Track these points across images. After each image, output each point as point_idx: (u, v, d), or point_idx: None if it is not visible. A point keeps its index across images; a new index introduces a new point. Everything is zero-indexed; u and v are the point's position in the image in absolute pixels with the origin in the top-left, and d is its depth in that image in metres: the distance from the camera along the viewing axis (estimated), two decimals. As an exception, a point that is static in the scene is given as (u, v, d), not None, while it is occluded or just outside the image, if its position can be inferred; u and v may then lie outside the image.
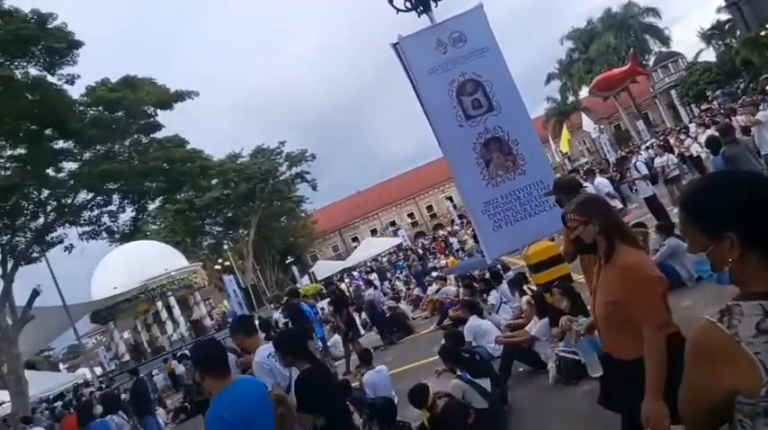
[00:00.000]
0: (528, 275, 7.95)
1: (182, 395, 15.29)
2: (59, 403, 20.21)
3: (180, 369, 18.14)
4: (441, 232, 47.75)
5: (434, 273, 17.59)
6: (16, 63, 18.51)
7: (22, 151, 20.91)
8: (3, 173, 21.00)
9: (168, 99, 24.96)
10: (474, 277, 11.79)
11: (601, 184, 11.73)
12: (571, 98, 56.46)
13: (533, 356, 6.31)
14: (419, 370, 8.53)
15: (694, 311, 5.59)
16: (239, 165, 44.96)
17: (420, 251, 31.43)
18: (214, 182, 40.57)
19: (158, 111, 25.06)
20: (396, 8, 6.50)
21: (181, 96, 25.29)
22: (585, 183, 9.92)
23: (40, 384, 25.10)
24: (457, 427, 4.83)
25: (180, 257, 31.28)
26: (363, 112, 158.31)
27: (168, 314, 28.16)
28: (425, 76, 5.02)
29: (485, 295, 9.38)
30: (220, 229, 47.46)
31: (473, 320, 7.42)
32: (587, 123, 38.49)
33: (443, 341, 8.68)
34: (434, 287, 14.58)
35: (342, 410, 4.06)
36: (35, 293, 20.23)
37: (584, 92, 56.32)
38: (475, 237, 20.92)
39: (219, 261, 40.46)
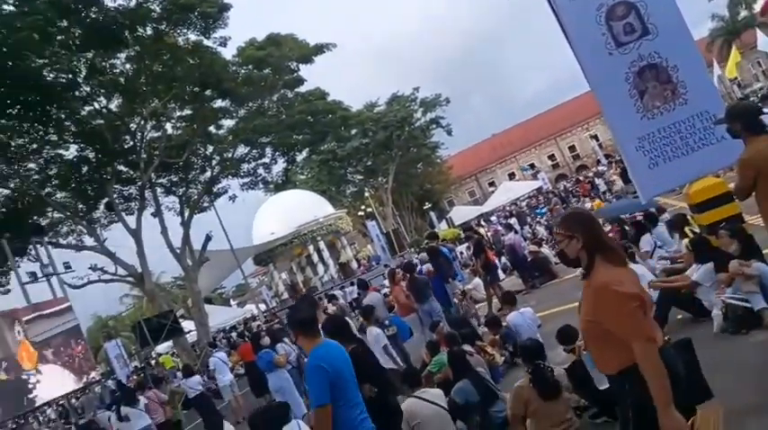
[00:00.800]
0: (689, 216, 7.27)
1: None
2: (234, 333, 23.14)
3: (331, 308, 19.65)
4: (585, 173, 44.99)
5: (579, 217, 16.73)
6: (178, 30, 20.42)
7: (189, 112, 23.40)
8: (175, 132, 23.79)
9: (309, 53, 26.06)
10: (624, 220, 11.05)
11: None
12: (743, 13, 48.17)
13: (695, 303, 5.84)
14: (563, 314, 8.34)
15: None
16: (376, 114, 45.94)
17: (562, 194, 29.98)
18: (354, 132, 42.07)
19: (300, 66, 26.31)
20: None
21: (320, 49, 26.24)
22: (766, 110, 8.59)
23: (217, 317, 28.92)
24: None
25: (326, 205, 33.37)
26: (497, 52, 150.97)
27: (319, 257, 30.48)
28: (569, 3, 4.64)
29: (636, 240, 8.74)
30: (361, 178, 49.42)
31: (625, 264, 7.01)
32: (763, 42, 32.42)
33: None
34: (579, 231, 13.91)
35: (386, 382, 4.54)
36: (208, 238, 23.11)
37: (759, 4, 47.87)
38: (623, 178, 19.43)
39: (362, 208, 42.41)
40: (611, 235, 10.99)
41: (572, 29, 4.79)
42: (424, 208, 51.17)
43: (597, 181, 27.33)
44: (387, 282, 22.77)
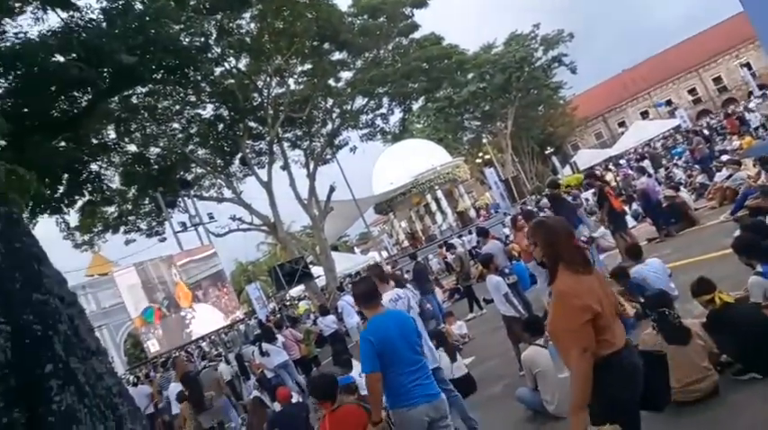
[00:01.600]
0: None
1: (454, 278, 16.92)
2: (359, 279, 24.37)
3: (450, 256, 19.91)
4: (733, 108, 39.97)
5: (724, 157, 15.10)
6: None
7: (309, 66, 24.19)
8: (298, 87, 24.82)
9: (422, -4, 25.43)
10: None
11: None
12: None
13: None
14: (703, 263, 7.74)
15: None
16: (493, 56, 44.08)
17: (705, 132, 26.99)
18: (470, 76, 40.86)
19: (414, 11, 25.82)
20: None
21: (433, -9, 25.46)
22: None
23: (343, 263, 30.55)
24: (740, 330, 4.22)
25: (443, 153, 33.20)
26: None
27: (437, 206, 30.68)
28: None
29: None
30: (479, 124, 48.22)
31: (780, 210, 6.31)
32: None
33: (737, 232, 7.65)
34: (724, 173, 12.60)
35: None
36: (331, 190, 24.26)
37: None
38: (784, 111, 17.04)
39: (480, 155, 41.61)
40: (763, 175, 9.86)
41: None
42: (546, 153, 48.94)
43: (748, 116, 24.26)
44: (507, 230, 22.51)
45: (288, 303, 23.70)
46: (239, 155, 23.67)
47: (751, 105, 27.70)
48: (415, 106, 35.11)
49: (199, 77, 20.11)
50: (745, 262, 4.87)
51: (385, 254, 33.74)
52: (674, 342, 4.14)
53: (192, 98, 21.38)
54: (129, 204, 22.18)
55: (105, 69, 13.40)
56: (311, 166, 25.11)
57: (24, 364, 2.08)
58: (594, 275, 2.62)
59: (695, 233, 10.75)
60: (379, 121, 29.15)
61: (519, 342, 6.71)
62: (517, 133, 46.00)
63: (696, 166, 17.20)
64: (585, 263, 2.62)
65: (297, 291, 26.46)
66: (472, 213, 31.55)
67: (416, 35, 27.56)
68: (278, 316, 19.46)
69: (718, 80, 58.35)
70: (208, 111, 22.57)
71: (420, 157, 30.13)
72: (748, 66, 50.29)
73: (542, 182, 40.85)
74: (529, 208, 14.99)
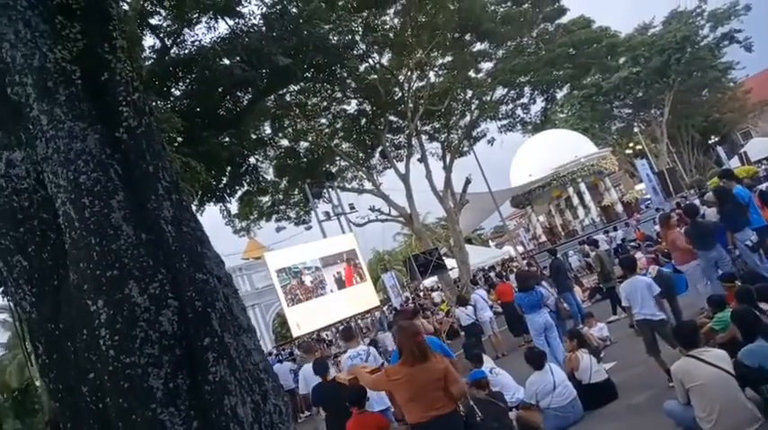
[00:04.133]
0: None
1: (595, 277, 15.90)
2: (492, 273, 24.00)
3: (592, 254, 18.74)
4: None
5: None
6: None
7: (449, 59, 24.20)
8: (438, 80, 24.97)
9: (571, -22, 24.07)
10: None
11: None
12: None
13: None
14: None
15: None
16: (651, 37, 40.33)
17: None
18: (622, 60, 37.91)
19: (564, -7, 24.56)
20: None
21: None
22: None
23: (476, 256, 30.29)
24: None
25: (588, 143, 31.28)
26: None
27: (579, 199, 29.04)
28: None
29: None
30: (630, 112, 44.55)
31: None
32: None
33: None
34: None
35: None
36: (467, 182, 24.07)
37: None
38: None
39: (630, 145, 38.51)
40: None
41: None
42: (710, 142, 43.71)
43: None
44: (658, 228, 20.65)
45: (422, 293, 24.09)
46: (380, 148, 24.47)
47: None
48: (559, 95, 33.43)
49: (345, 74, 21.14)
50: None
51: (521, 248, 32.74)
52: None
53: (338, 94, 22.52)
54: (280, 194, 24.11)
55: (264, 70, 14.64)
56: (448, 159, 25.15)
57: (187, 336, 2.40)
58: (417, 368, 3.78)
59: None
60: (519, 112, 28.26)
61: (659, 352, 6.24)
62: (675, 121, 41.71)
63: None
64: (416, 358, 3.83)
65: (430, 281, 26.76)
66: (619, 208, 29.34)
67: (564, 20, 26.23)
68: (412, 305, 19.89)
69: None
70: (352, 107, 23.68)
71: (562, 149, 28.70)
72: None
73: (703, 174, 36.73)
74: (691, 202, 13.48)
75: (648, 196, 30.63)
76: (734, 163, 32.76)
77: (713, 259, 7.84)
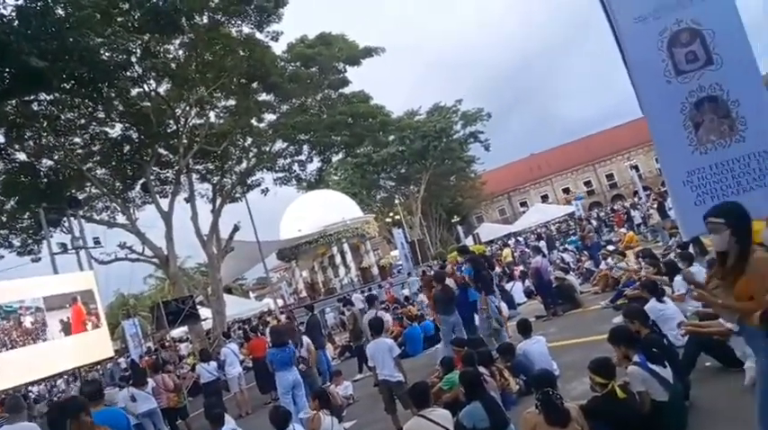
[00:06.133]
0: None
1: (347, 334, 16.53)
2: (248, 326, 23.24)
3: (347, 313, 19.57)
4: (621, 203, 43.91)
5: (610, 247, 16.31)
6: (233, 22, 20.73)
7: (233, 102, 23.71)
8: (218, 121, 24.15)
9: (357, 55, 26.09)
10: (658, 258, 10.70)
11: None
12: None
13: (726, 352, 5.54)
14: (586, 345, 8.06)
15: None
16: (416, 122, 45.89)
17: (594, 223, 29.28)
18: (391, 138, 42.06)
19: (347, 67, 26.36)
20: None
21: (369, 52, 26.24)
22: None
23: (235, 307, 29.15)
24: (630, 416, 4.44)
25: (355, 208, 33.29)
26: (547, 72, 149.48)
27: (341, 259, 30.36)
28: (632, 25, 4.44)
29: (671, 279, 8.40)
30: (393, 184, 49.39)
31: (653, 303, 6.75)
32: None
33: (616, 319, 8.08)
34: (609, 261, 13.54)
35: None
36: (235, 229, 23.30)
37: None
38: (661, 212, 18.84)
39: (390, 214, 42.30)
40: (643, 268, 10.65)
41: (631, 52, 4.59)
42: (452, 221, 50.80)
43: (633, 212, 26.65)
44: (406, 292, 22.58)
45: (167, 344, 21.95)
46: (142, 180, 22.29)
47: (638, 201, 30.55)
48: (335, 158, 35.31)
49: (113, 94, 19.05)
50: (621, 353, 5.04)
51: (281, 302, 32.65)
52: (554, 423, 4.17)
53: (101, 114, 20.08)
54: (3, 216, 20.02)
55: (8, 68, 12.40)
56: (218, 202, 24.13)
57: None
58: None
59: (579, 315, 11.31)
60: (296, 167, 28.92)
61: (395, 410, 6.58)
62: (428, 199, 47.55)
63: (585, 253, 18.41)
64: None
65: (179, 331, 24.69)
66: (375, 270, 31.55)
67: (346, 90, 28.08)
68: (154, 357, 17.92)
69: (610, 176, 64.40)
70: (116, 131, 21.24)
71: (332, 209, 29.96)
72: (636, 168, 56.02)
73: (445, 248, 42.00)
74: (438, 269, 15.19)
75: (401, 262, 33.66)
76: (469, 241, 38.36)
77: (452, 324, 8.79)
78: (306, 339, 9.77)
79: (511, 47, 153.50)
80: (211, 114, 23.54)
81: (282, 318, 20.91)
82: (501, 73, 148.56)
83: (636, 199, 35.03)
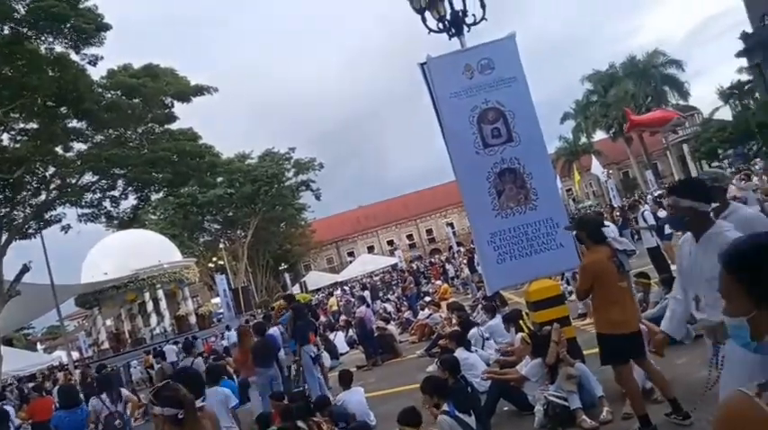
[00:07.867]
0: (525, 313, 7.82)
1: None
2: (31, 384, 19.87)
3: (156, 366, 17.83)
4: (438, 257, 47.56)
5: (427, 298, 17.40)
6: (43, 38, 18.61)
7: (35, 126, 20.93)
8: (12, 145, 21.01)
9: (187, 92, 25.06)
10: (463, 307, 11.67)
11: (608, 230, 11.56)
12: (583, 139, 56.63)
13: (521, 397, 6.14)
14: (402, 394, 8.33)
15: (690, 369, 5.45)
16: (247, 166, 45.05)
17: (415, 274, 31.18)
18: (219, 179, 40.62)
19: (176, 102, 25.13)
20: (428, 28, 6.47)
21: (200, 90, 25.38)
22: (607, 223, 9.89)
23: (15, 362, 24.74)
24: None
25: (174, 251, 31.06)
26: (375, 129, 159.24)
27: (154, 306, 27.84)
28: (448, 99, 4.96)
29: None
30: (219, 228, 47.38)
31: (460, 352, 7.28)
32: (596, 166, 38.54)
33: (430, 367, 8.54)
34: (426, 312, 14.40)
35: None
36: (25, 269, 20.00)
37: (597, 135, 56.45)
38: (470, 266, 20.75)
39: (213, 259, 40.27)
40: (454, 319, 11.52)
41: (448, 124, 5.09)
42: (280, 268, 50.08)
43: (448, 266, 28.92)
44: (225, 342, 21.42)
45: None
46: None
47: (452, 255, 33.32)
48: (155, 196, 32.81)
49: None
50: (432, 402, 5.28)
51: (76, 354, 28.63)
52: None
53: None
54: None
55: None
56: (4, 238, 20.68)
57: None
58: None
59: (397, 364, 11.74)
60: (107, 204, 26.16)
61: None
62: (255, 244, 46.37)
63: (405, 303, 19.38)
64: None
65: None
66: (192, 319, 29.45)
67: (173, 126, 26.60)
68: None
69: (429, 232, 69.74)
70: None
71: (147, 251, 27.54)
72: (452, 225, 61.43)
73: (271, 296, 41.08)
74: (259, 320, 14.63)
75: (222, 310, 32.00)
76: (296, 289, 38.04)
77: (270, 377, 8.49)
78: (125, 391, 8.64)
79: (346, 104, 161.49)
80: (5, 136, 20.46)
81: (77, 373, 18.28)
82: (335, 127, 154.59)
83: (450, 253, 38.17)
